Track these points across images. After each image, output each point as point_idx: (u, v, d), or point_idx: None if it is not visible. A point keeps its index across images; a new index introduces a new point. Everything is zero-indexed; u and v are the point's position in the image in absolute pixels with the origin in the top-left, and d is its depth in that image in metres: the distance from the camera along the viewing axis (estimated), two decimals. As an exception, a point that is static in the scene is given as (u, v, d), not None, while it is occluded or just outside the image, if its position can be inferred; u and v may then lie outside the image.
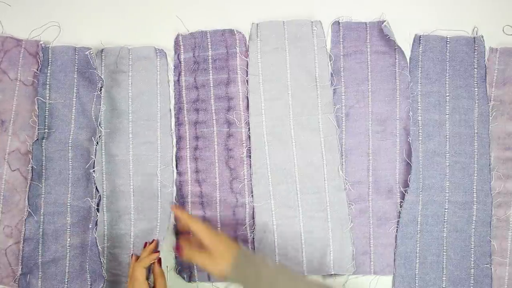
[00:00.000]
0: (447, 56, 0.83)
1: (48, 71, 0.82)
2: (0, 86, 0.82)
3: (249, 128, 0.82)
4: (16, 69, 0.82)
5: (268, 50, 0.83)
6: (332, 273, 0.81)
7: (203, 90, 0.83)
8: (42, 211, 0.80)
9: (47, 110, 0.81)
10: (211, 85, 0.83)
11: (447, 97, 0.83)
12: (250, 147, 0.82)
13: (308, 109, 0.83)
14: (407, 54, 0.83)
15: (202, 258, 0.70)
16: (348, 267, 0.82)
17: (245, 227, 0.82)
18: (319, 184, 0.82)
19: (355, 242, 0.82)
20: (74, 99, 0.82)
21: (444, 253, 0.82)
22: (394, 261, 0.82)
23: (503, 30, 0.84)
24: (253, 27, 0.83)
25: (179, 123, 0.83)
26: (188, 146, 0.83)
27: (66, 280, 0.80)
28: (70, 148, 0.81)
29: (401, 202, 0.82)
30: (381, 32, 0.83)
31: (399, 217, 0.82)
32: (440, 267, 0.82)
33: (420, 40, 0.83)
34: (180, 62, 0.83)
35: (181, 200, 0.82)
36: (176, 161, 0.83)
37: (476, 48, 0.83)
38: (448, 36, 0.83)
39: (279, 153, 0.82)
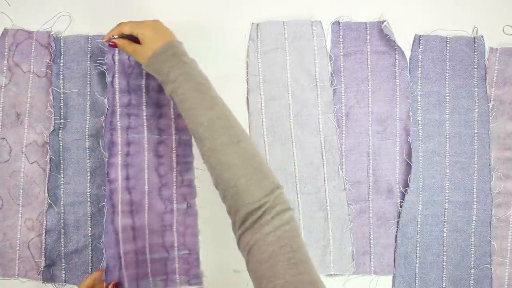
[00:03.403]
0: (447, 56, 0.83)
1: (61, 61, 0.82)
2: (14, 79, 0.82)
3: (179, 136, 0.81)
4: (29, 61, 0.82)
5: (268, 50, 0.83)
6: (332, 273, 0.81)
7: (135, 95, 0.80)
8: (62, 202, 0.81)
9: (62, 100, 0.81)
10: (144, 91, 0.80)
11: (447, 97, 0.83)
12: (179, 154, 0.81)
13: (308, 109, 0.83)
14: (407, 54, 0.83)
15: (132, 50, 0.71)
16: (348, 267, 0.82)
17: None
18: (319, 184, 0.82)
19: (355, 242, 0.82)
20: (88, 87, 0.82)
21: (444, 253, 0.82)
22: (394, 261, 0.82)
23: (503, 30, 0.84)
24: (253, 27, 0.83)
25: (111, 128, 0.77)
26: (120, 152, 0.78)
27: (90, 270, 0.81)
28: (87, 137, 0.81)
29: (401, 202, 0.82)
30: (381, 32, 0.83)
31: (399, 217, 0.82)
32: (440, 267, 0.82)
33: (420, 40, 0.83)
34: (114, 62, 0.78)
35: (111, 210, 0.75)
36: (107, 168, 0.76)
37: (476, 48, 0.83)
38: (448, 36, 0.83)
39: (279, 153, 0.82)
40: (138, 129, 0.79)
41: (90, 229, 0.81)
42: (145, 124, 0.80)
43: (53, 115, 0.80)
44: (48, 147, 0.80)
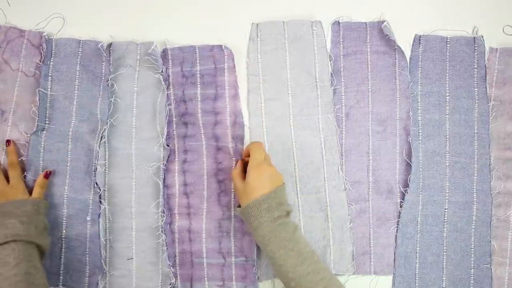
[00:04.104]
0: (447, 56, 0.83)
1: (51, 63, 0.82)
2: (2, 76, 0.82)
3: (235, 143, 0.82)
4: (18, 60, 0.82)
5: (268, 50, 0.83)
6: (333, 273, 0.81)
7: (191, 104, 0.82)
8: None
9: (48, 102, 0.81)
10: (199, 99, 0.82)
11: (447, 97, 0.83)
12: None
13: (308, 109, 0.83)
14: (407, 54, 0.83)
15: (234, 185, 0.75)
16: (348, 267, 0.82)
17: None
18: (319, 184, 0.82)
19: (355, 242, 0.82)
20: (75, 91, 0.82)
21: (444, 253, 0.82)
22: (394, 261, 0.82)
23: (503, 30, 0.84)
24: (253, 27, 0.83)
25: (168, 136, 0.82)
26: (176, 159, 0.82)
27: (61, 272, 0.80)
28: (70, 140, 0.81)
29: (401, 202, 0.82)
30: (381, 32, 0.83)
31: (399, 217, 0.82)
32: (440, 267, 0.82)
33: (420, 40, 0.83)
34: (168, 75, 0.82)
35: (168, 213, 0.82)
36: (164, 173, 0.82)
37: (476, 48, 0.83)
38: (448, 36, 0.83)
39: (279, 153, 0.82)
40: (196, 137, 0.82)
41: (64, 231, 0.81)
42: (201, 132, 0.82)
43: (37, 116, 0.80)
44: (27, 147, 0.80)
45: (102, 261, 0.80)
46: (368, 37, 0.83)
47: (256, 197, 0.70)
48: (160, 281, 0.81)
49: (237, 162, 0.80)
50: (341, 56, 0.84)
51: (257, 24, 0.83)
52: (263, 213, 0.69)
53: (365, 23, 0.84)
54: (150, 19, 0.84)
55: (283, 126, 0.83)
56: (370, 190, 0.83)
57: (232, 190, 0.82)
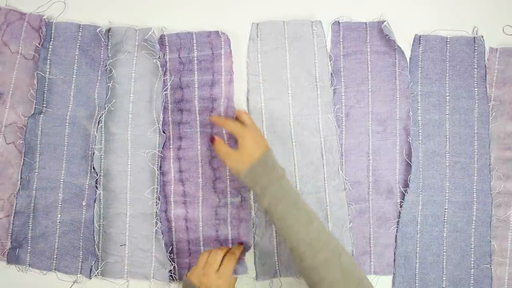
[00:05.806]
0: (447, 56, 0.83)
1: (50, 46, 0.82)
2: (1, 58, 0.82)
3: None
4: (18, 42, 0.82)
5: (268, 50, 0.83)
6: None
7: (188, 91, 0.83)
8: (34, 185, 0.81)
9: (46, 85, 0.82)
10: (196, 86, 0.83)
11: (447, 97, 0.83)
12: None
13: (308, 109, 0.83)
14: (407, 54, 0.83)
15: (226, 153, 0.72)
16: (348, 267, 0.82)
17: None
18: (319, 184, 0.82)
19: (355, 242, 0.82)
20: (74, 76, 0.82)
21: (444, 253, 0.82)
22: (394, 261, 0.82)
23: (503, 30, 0.84)
24: (253, 27, 0.83)
25: (163, 123, 0.82)
26: (171, 146, 0.83)
27: (55, 256, 0.81)
28: (67, 124, 0.82)
29: (401, 202, 0.82)
30: (381, 32, 0.83)
31: (399, 217, 0.82)
32: (440, 267, 0.82)
33: (420, 40, 0.83)
34: (166, 61, 0.82)
35: (163, 200, 0.82)
36: (160, 160, 0.82)
37: (476, 48, 0.83)
38: (448, 36, 0.83)
39: (279, 153, 0.82)
40: (191, 124, 0.82)
41: (59, 215, 0.81)
42: (197, 119, 0.82)
43: (35, 99, 0.80)
44: (25, 130, 0.80)
45: (95, 246, 0.80)
46: (368, 37, 0.83)
47: (260, 155, 0.69)
48: (152, 268, 0.81)
49: (213, 138, 0.76)
50: (341, 56, 0.84)
51: (257, 24, 0.83)
52: (271, 169, 0.69)
53: (365, 23, 0.84)
54: (149, 7, 0.84)
55: (283, 126, 0.83)
56: (370, 190, 0.83)
57: (227, 177, 0.82)
